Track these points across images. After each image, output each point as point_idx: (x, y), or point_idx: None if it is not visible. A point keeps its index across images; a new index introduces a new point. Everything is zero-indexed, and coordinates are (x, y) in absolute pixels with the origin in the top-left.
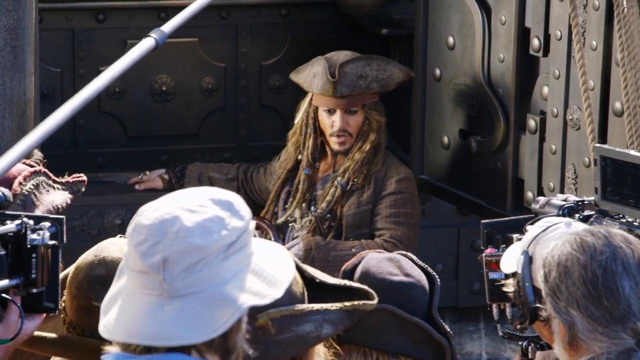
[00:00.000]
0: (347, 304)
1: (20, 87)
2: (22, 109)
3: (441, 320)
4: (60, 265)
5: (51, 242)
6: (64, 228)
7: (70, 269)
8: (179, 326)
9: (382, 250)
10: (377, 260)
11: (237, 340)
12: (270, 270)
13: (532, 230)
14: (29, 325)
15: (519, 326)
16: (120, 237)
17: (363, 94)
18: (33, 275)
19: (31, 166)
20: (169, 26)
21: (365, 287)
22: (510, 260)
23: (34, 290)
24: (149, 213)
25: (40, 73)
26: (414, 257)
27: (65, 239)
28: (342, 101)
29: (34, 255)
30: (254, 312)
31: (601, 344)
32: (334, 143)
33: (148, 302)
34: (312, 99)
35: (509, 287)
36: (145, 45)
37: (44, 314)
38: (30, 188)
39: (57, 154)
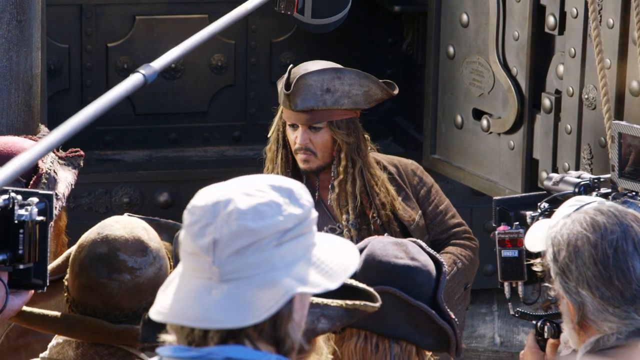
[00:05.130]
0: (348, 302)
1: (27, 62)
2: (29, 84)
3: (446, 307)
4: (49, 241)
5: (39, 218)
6: (53, 204)
7: (74, 247)
8: (223, 310)
9: (390, 236)
10: (383, 243)
11: (289, 329)
12: (329, 263)
13: (562, 209)
14: (16, 301)
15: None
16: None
17: (330, 109)
18: (20, 251)
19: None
20: (159, 63)
21: (370, 289)
22: (536, 238)
23: (21, 267)
24: (204, 195)
25: (48, 49)
26: (422, 243)
27: (54, 216)
28: (303, 116)
29: (21, 230)
30: None
31: (611, 324)
32: (299, 161)
33: (197, 284)
34: (282, 112)
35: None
36: (132, 81)
37: (32, 291)
38: (50, 166)
39: None
